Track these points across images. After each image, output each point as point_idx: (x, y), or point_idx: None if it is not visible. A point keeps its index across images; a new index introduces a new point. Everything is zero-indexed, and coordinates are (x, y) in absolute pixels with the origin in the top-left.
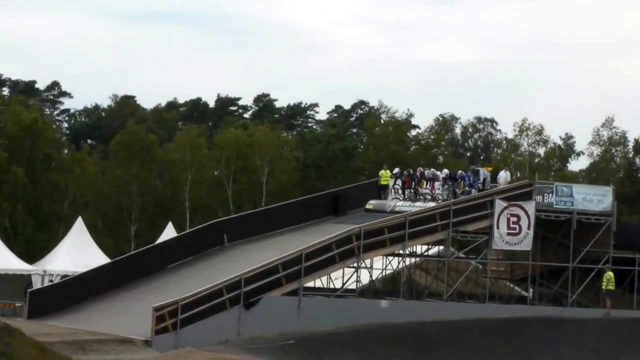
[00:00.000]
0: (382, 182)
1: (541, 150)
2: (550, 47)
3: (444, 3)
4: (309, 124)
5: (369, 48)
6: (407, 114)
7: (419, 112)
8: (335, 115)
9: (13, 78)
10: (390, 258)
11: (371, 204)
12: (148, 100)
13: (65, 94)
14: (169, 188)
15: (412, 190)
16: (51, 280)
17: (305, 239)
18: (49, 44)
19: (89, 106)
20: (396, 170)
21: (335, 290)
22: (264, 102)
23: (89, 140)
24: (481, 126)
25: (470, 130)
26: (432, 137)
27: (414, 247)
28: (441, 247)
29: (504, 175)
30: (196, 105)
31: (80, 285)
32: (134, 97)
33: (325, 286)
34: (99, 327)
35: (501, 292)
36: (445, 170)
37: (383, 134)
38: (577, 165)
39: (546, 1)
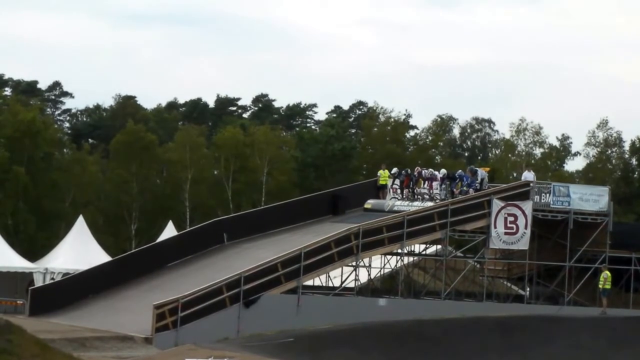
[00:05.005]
0: (381, 182)
1: (538, 151)
2: (547, 50)
3: (443, 5)
4: (308, 124)
5: (368, 49)
6: (405, 114)
7: (418, 113)
8: (334, 115)
9: (15, 78)
10: (389, 257)
11: (370, 203)
12: (149, 101)
13: (66, 94)
14: (169, 187)
15: (410, 190)
16: (52, 278)
17: (304, 238)
18: (50, 45)
19: (91, 106)
20: (394, 170)
21: (333, 288)
22: (263, 103)
23: (90, 140)
24: (479, 127)
25: (469, 130)
26: (429, 137)
27: (412, 246)
28: (439, 246)
29: (529, 176)
30: (196, 105)
31: (81, 283)
32: (135, 97)
33: (324, 284)
34: (100, 324)
35: (498, 290)
36: (443, 170)
37: (380, 135)
38: (573, 165)
39: (543, 5)
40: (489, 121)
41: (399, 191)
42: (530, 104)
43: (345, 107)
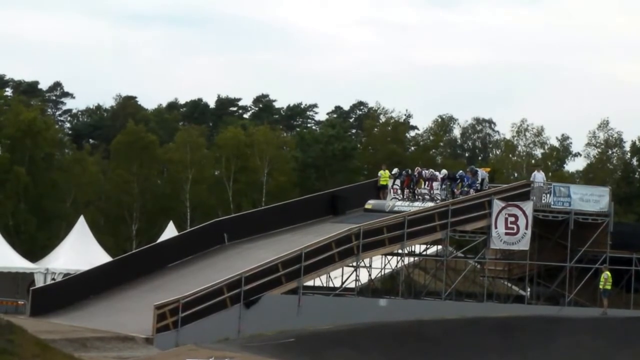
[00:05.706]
0: (381, 182)
1: (538, 152)
2: (547, 50)
3: (443, 5)
4: (308, 125)
5: (369, 49)
6: (405, 114)
7: (418, 113)
8: (335, 116)
9: (16, 79)
10: (389, 257)
11: (370, 203)
12: (149, 101)
13: (67, 94)
14: (170, 187)
15: (410, 191)
16: (53, 279)
17: (304, 238)
18: (51, 45)
19: (91, 106)
20: (395, 170)
21: (334, 289)
22: (263, 103)
23: (90, 140)
24: (479, 127)
25: (469, 131)
26: (430, 138)
27: (413, 246)
28: (439, 247)
29: (539, 176)
30: (197, 105)
31: (82, 284)
32: (135, 97)
33: (324, 285)
34: (101, 324)
35: (499, 291)
36: (444, 171)
37: (381, 135)
38: (574, 166)
39: (543, 5)
40: (490, 121)
41: (399, 191)
42: (530, 104)
43: (346, 107)
